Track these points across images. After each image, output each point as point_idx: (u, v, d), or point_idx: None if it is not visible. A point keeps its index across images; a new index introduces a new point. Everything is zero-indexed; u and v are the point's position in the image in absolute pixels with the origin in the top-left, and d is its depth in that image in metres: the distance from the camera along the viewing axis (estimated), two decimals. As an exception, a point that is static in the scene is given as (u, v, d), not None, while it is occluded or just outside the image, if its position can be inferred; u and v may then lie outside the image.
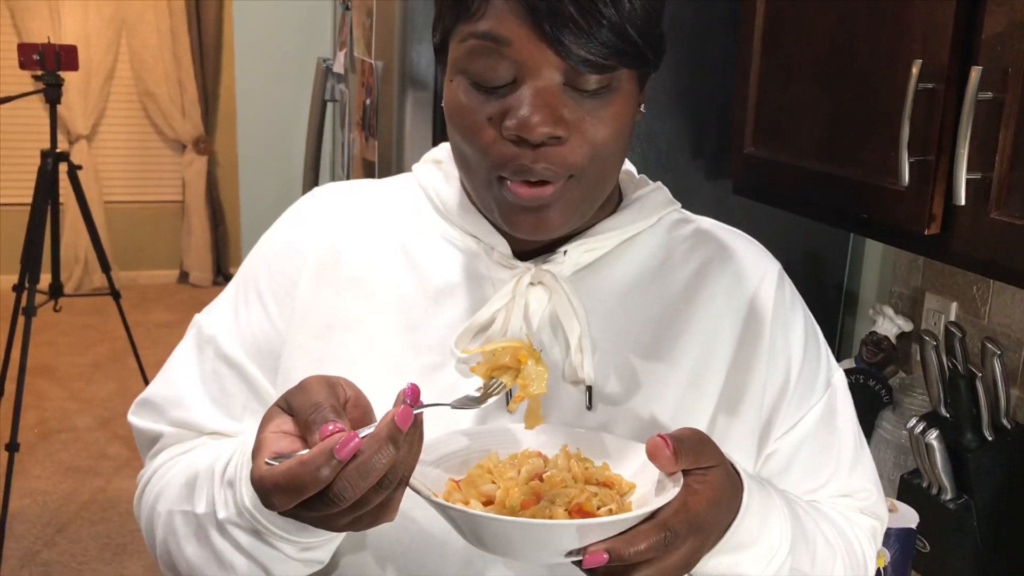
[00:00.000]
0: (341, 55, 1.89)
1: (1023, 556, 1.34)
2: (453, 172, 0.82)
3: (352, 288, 0.79)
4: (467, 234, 0.80)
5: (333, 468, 0.54)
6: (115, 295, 3.30)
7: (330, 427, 0.56)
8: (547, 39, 0.65)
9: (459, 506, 0.60)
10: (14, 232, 5.82)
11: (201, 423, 0.81)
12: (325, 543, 0.68)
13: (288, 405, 0.60)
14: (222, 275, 6.41)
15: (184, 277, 6.38)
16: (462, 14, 0.68)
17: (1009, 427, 1.32)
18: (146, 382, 3.43)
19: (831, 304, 1.77)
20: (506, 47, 0.66)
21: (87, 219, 3.20)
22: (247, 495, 0.65)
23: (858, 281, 1.77)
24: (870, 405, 1.56)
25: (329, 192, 0.86)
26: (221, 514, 0.68)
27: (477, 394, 0.66)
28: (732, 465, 0.68)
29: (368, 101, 1.64)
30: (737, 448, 0.77)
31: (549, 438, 0.71)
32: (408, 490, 0.61)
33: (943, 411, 1.35)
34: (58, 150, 3.08)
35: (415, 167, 0.88)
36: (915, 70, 1.06)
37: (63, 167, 3.10)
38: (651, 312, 0.80)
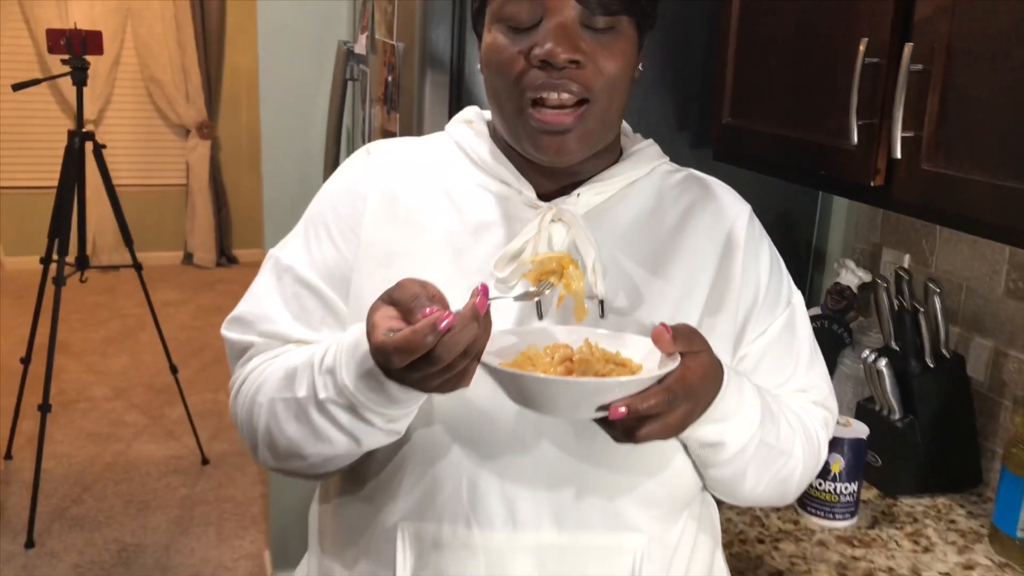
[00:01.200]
0: (363, 37, 2.08)
1: (960, 466, 1.56)
2: (483, 130, 1.01)
3: (406, 224, 0.97)
4: (499, 181, 0.98)
5: (435, 336, 0.72)
6: (137, 267, 3.48)
7: (427, 310, 0.74)
8: None
9: (515, 370, 0.78)
10: (29, 212, 6.01)
11: (287, 333, 0.97)
12: (404, 416, 0.86)
13: (390, 298, 0.78)
14: (225, 256, 6.59)
15: (188, 258, 6.57)
16: None
17: (948, 356, 1.53)
18: (167, 352, 3.63)
19: (801, 259, 1.98)
20: None
21: (111, 194, 3.39)
22: (347, 377, 0.82)
23: (826, 238, 1.98)
24: (833, 346, 1.78)
25: (381, 146, 1.05)
26: (321, 395, 0.84)
27: (533, 288, 0.85)
28: (718, 358, 0.86)
29: (390, 78, 1.84)
30: (717, 349, 0.98)
31: (575, 336, 0.88)
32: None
33: (893, 345, 1.56)
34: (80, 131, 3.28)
35: (448, 127, 1.06)
36: (862, 47, 1.27)
37: (88, 146, 3.28)
38: (649, 242, 0.98)
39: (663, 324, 0.80)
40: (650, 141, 1.05)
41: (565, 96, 0.88)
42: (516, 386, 0.78)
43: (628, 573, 0.93)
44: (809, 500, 1.45)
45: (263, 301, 0.99)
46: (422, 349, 0.73)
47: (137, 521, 3.26)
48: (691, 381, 0.79)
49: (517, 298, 0.85)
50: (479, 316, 0.74)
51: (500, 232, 0.96)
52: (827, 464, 1.42)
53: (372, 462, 0.94)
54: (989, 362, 1.59)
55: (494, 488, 0.90)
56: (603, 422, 0.79)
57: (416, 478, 0.92)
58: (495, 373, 0.79)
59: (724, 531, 1.41)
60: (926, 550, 1.39)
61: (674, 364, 0.79)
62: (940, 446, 1.53)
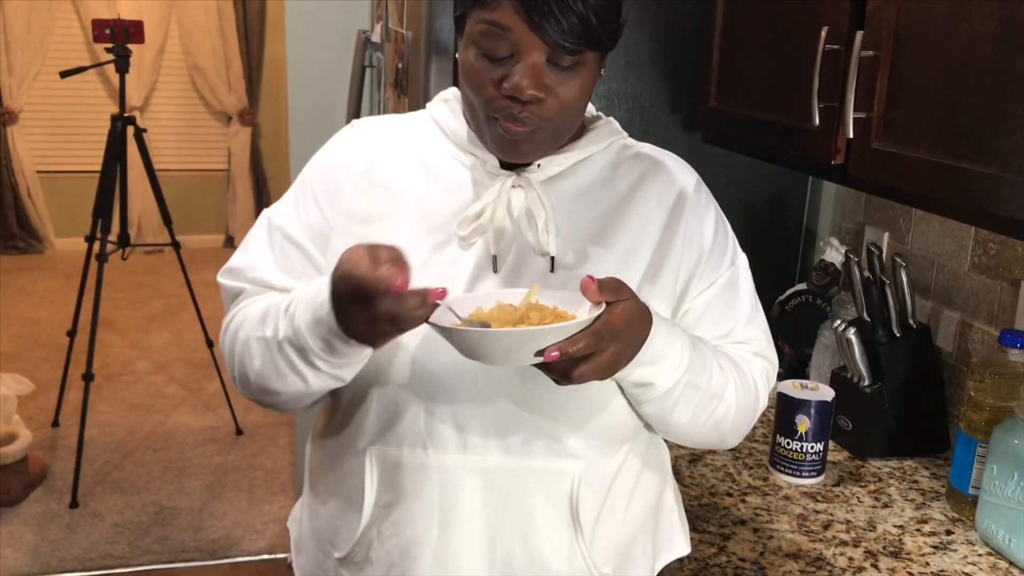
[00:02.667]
0: (378, 27, 2.22)
1: (925, 431, 1.65)
2: (458, 108, 1.13)
3: (383, 190, 1.09)
4: (467, 152, 1.10)
5: (384, 290, 0.84)
6: (176, 245, 3.65)
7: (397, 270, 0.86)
8: (536, 30, 0.95)
9: (460, 327, 0.89)
10: (78, 195, 6.26)
11: (272, 281, 1.11)
12: (347, 365, 0.98)
13: (368, 248, 0.89)
14: (265, 240, 6.79)
15: (230, 241, 6.77)
16: (479, 2, 0.99)
17: (914, 326, 1.62)
18: (204, 329, 3.81)
19: (792, 238, 2.07)
20: (508, 32, 0.96)
21: (151, 176, 3.56)
22: (301, 320, 0.95)
23: (815, 218, 2.08)
24: (816, 319, 1.88)
25: (364, 122, 1.17)
26: (280, 334, 0.98)
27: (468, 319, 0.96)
28: (645, 305, 0.98)
29: (400, 65, 1.97)
30: (658, 302, 1.09)
31: (518, 296, 0.99)
32: (424, 341, 0.93)
33: (865, 316, 1.66)
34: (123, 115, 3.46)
35: (428, 105, 1.18)
36: (823, 34, 1.37)
37: (130, 131, 3.46)
38: (600, 208, 1.09)
39: (589, 276, 0.91)
40: (609, 119, 1.15)
41: (526, 124, 1.00)
42: (462, 341, 0.90)
43: (567, 494, 1.05)
44: (777, 458, 1.56)
45: (254, 254, 1.13)
46: (372, 287, 0.85)
47: (173, 486, 3.45)
48: (616, 324, 0.90)
49: (463, 321, 0.95)
50: (424, 301, 0.86)
51: (466, 195, 1.08)
52: (794, 424, 1.53)
53: (343, 400, 1.08)
54: (956, 333, 1.68)
55: (447, 418, 1.03)
56: (543, 367, 0.91)
57: (380, 411, 1.05)
58: (444, 331, 0.90)
59: (696, 484, 1.52)
60: (885, 506, 1.49)
61: (599, 311, 0.90)
62: (907, 411, 1.63)
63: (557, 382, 0.93)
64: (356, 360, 0.98)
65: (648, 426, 1.12)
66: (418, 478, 1.04)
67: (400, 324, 0.87)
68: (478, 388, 1.02)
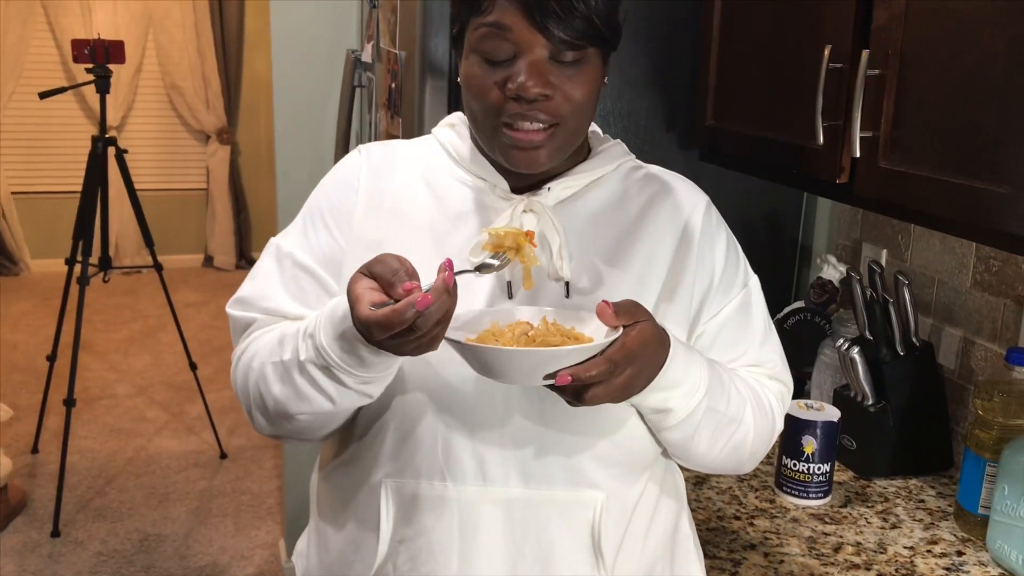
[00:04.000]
0: (369, 46, 2.19)
1: (929, 449, 1.64)
2: (464, 132, 1.11)
3: (392, 215, 1.07)
4: (476, 176, 1.08)
5: (415, 313, 0.81)
6: (158, 268, 3.60)
7: (407, 285, 0.83)
8: (537, 26, 0.95)
9: (475, 344, 0.88)
10: (54, 217, 6.18)
11: (285, 310, 1.08)
12: (375, 380, 0.95)
13: (370, 271, 0.87)
14: (244, 259, 6.73)
15: (209, 261, 6.71)
16: (474, 11, 0.98)
17: (918, 344, 1.61)
18: (186, 351, 3.75)
19: (788, 256, 2.06)
20: (508, 32, 0.95)
21: (132, 198, 3.52)
22: (324, 339, 0.92)
23: (811, 236, 2.07)
24: (815, 337, 1.86)
25: (372, 147, 1.15)
26: (302, 356, 0.94)
27: (494, 262, 0.95)
28: (663, 328, 0.96)
29: (393, 85, 1.94)
30: (674, 324, 1.07)
31: (536, 314, 0.99)
32: (440, 369, 0.91)
33: (867, 334, 1.65)
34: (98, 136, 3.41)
35: (434, 130, 1.16)
36: (827, 52, 1.36)
37: (111, 151, 3.41)
38: (612, 231, 1.08)
39: (604, 300, 0.89)
40: (617, 141, 1.14)
41: (536, 125, 0.98)
42: (476, 357, 0.88)
43: (589, 524, 1.02)
44: (784, 480, 1.54)
45: (265, 283, 1.10)
46: (403, 325, 0.82)
47: (158, 512, 3.38)
48: (631, 348, 0.88)
49: (480, 271, 0.95)
50: (449, 288, 0.84)
51: (476, 221, 1.06)
52: (800, 445, 1.51)
53: (357, 429, 1.05)
54: (959, 351, 1.67)
55: (466, 447, 1.00)
56: (557, 389, 0.89)
57: (396, 440, 1.02)
58: (459, 347, 0.89)
59: (703, 508, 1.50)
60: (894, 527, 1.47)
61: (615, 335, 0.89)
62: (912, 430, 1.61)
63: (569, 403, 0.91)
64: (385, 372, 0.95)
65: (665, 452, 1.10)
66: (437, 511, 1.01)
67: (441, 326, 0.85)
68: (497, 417, 1.00)
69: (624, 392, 0.91)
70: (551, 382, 0.87)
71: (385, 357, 0.90)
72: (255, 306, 1.10)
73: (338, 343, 0.91)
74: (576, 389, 0.88)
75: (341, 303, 0.91)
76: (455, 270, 0.85)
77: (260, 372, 1.02)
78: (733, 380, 1.07)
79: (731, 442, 1.05)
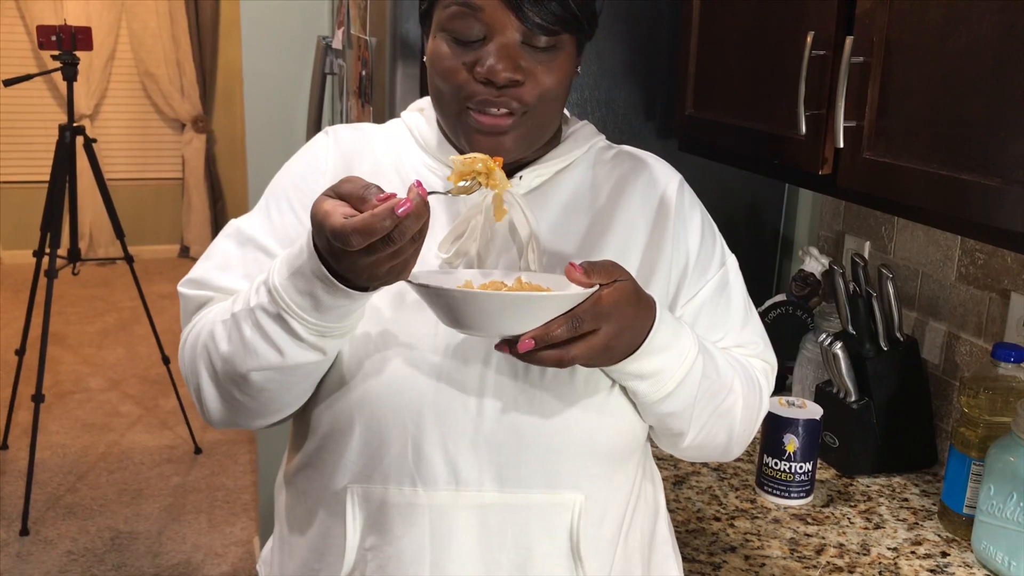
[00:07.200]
0: (339, 33, 2.13)
1: (912, 446, 1.61)
2: (432, 117, 1.07)
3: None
4: (442, 163, 1.04)
5: (393, 220, 0.76)
6: (129, 259, 3.53)
7: (381, 195, 0.78)
8: (511, 7, 0.90)
9: (443, 288, 0.83)
10: (27, 206, 6.07)
11: (242, 289, 0.99)
12: (330, 332, 0.87)
13: (337, 193, 0.81)
14: (221, 249, 6.65)
15: (185, 251, 6.62)
16: None
17: (901, 339, 1.58)
18: (159, 344, 3.69)
19: (769, 248, 2.02)
20: (479, 12, 0.91)
21: (102, 188, 3.44)
22: (277, 278, 0.86)
23: (792, 227, 2.03)
24: (796, 331, 1.82)
25: (340, 129, 1.10)
26: (252, 302, 0.87)
27: (465, 183, 0.89)
28: (646, 292, 0.90)
29: (364, 72, 1.88)
30: None
31: (509, 278, 0.94)
32: (408, 366, 0.87)
33: (850, 329, 1.61)
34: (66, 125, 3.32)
35: (403, 114, 1.12)
36: (809, 39, 1.31)
37: (79, 141, 3.33)
38: (586, 220, 1.04)
39: (571, 262, 0.85)
40: (585, 122, 1.10)
41: (503, 110, 0.94)
42: (447, 304, 0.83)
43: (567, 528, 0.98)
44: (765, 479, 1.50)
45: (221, 262, 1.03)
46: (381, 232, 0.76)
47: (130, 509, 3.32)
48: (603, 305, 0.84)
49: (452, 193, 0.90)
50: (426, 201, 0.78)
51: (444, 212, 1.01)
52: (782, 444, 1.47)
53: (320, 431, 0.99)
54: (943, 345, 1.63)
55: (437, 450, 0.94)
56: (536, 359, 0.84)
57: (363, 443, 0.96)
58: (428, 293, 0.84)
59: (683, 508, 1.46)
60: (877, 527, 1.44)
61: (590, 291, 0.84)
62: (895, 427, 1.58)
63: (547, 363, 0.85)
64: (340, 324, 0.88)
65: (644, 451, 1.05)
66: (406, 518, 0.96)
67: (415, 244, 0.80)
68: (470, 417, 0.95)
69: (606, 353, 0.87)
70: (520, 331, 0.82)
71: (342, 299, 0.84)
72: (210, 285, 1.03)
73: (292, 282, 0.85)
74: (557, 356, 0.84)
75: (300, 238, 0.86)
76: (426, 190, 0.79)
77: (209, 334, 0.95)
78: (720, 352, 1.04)
79: (719, 409, 1.01)
